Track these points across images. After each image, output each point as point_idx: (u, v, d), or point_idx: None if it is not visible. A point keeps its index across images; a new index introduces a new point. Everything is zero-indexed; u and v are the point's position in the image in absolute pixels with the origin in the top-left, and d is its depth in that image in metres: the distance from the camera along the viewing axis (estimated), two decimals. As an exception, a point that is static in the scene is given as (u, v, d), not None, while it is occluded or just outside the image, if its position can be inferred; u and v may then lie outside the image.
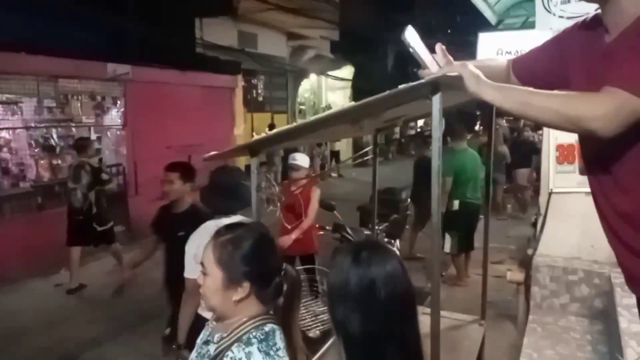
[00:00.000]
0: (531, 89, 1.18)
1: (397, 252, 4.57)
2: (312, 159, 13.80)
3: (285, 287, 1.38)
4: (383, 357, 1.09)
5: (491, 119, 2.81)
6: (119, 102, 7.74)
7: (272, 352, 1.27)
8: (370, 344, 1.08)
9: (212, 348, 1.36)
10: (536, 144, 8.21)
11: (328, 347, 2.40)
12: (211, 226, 2.37)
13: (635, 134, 1.10)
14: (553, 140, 3.82)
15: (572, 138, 3.76)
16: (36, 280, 5.82)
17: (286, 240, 3.71)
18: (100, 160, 6.89)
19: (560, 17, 3.62)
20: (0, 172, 6.37)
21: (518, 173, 8.60)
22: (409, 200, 5.01)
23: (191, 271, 2.34)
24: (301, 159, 4.01)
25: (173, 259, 2.83)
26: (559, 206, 3.90)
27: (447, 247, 5.27)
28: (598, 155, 1.28)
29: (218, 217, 2.40)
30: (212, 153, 1.56)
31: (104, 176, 5.77)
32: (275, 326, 1.34)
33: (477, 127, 10.51)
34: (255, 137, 11.04)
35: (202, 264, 1.35)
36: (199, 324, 1.51)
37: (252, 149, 1.42)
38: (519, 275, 4.20)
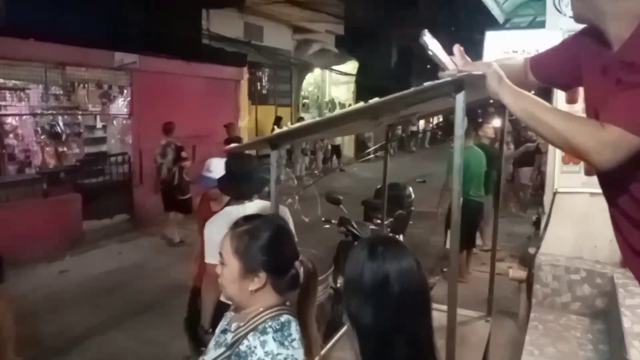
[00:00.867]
0: (545, 104, 1.19)
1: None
2: (314, 152, 13.88)
3: (301, 278, 1.41)
4: (393, 351, 1.11)
5: (504, 119, 2.83)
6: (125, 91, 7.75)
7: (286, 343, 1.30)
8: (382, 338, 1.10)
9: (229, 337, 1.39)
10: (539, 144, 8.24)
11: (340, 336, 2.45)
12: (231, 211, 2.42)
13: None
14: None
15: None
16: (41, 266, 5.87)
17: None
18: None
19: (571, 17, 3.63)
20: (7, 158, 6.40)
21: (521, 172, 8.63)
22: (413, 195, 5.05)
23: (212, 256, 2.36)
24: (217, 169, 2.70)
25: None
26: (563, 206, 3.93)
27: (449, 244, 5.31)
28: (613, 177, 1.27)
29: (238, 202, 2.45)
30: (233, 145, 1.59)
31: (184, 154, 6.71)
32: (291, 317, 1.37)
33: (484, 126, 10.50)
34: (260, 134, 11.01)
35: (220, 254, 1.38)
36: (222, 310, 1.55)
37: (273, 142, 1.45)
38: (520, 273, 4.24)
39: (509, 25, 6.89)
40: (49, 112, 6.88)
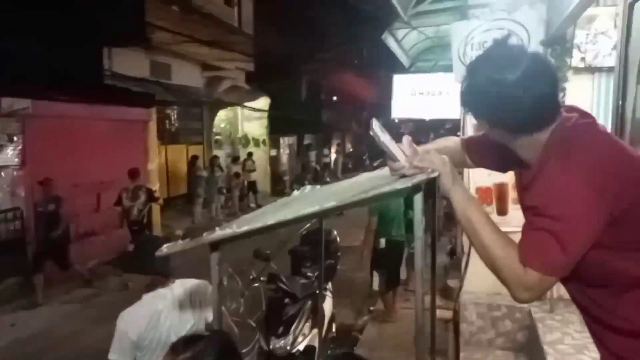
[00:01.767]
0: (489, 222, 1.21)
1: (331, 295, 4.55)
2: (230, 190, 13.54)
3: None
4: None
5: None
6: (15, 138, 6.98)
7: None
8: None
9: None
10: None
11: None
12: (153, 301, 2.20)
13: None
14: (473, 183, 4.08)
15: (489, 181, 4.03)
16: None
17: None
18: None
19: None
20: None
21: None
22: (338, 239, 5.03)
23: (119, 355, 2.14)
24: None
25: None
26: (480, 245, 4.14)
27: (376, 285, 5.37)
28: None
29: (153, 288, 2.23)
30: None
31: (156, 195, 7.80)
32: None
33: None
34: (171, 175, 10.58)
35: None
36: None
37: (213, 244, 1.32)
38: (447, 314, 4.36)
39: (413, 69, 7.35)
40: None
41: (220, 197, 12.94)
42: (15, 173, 7.03)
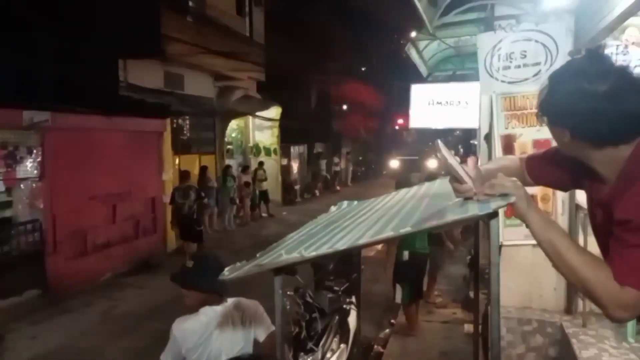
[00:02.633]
0: (572, 241, 1.18)
1: (356, 309, 4.48)
2: (242, 200, 13.54)
3: None
4: None
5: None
6: (34, 151, 7.03)
7: None
8: None
9: None
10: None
11: None
12: (204, 316, 2.25)
13: None
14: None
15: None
16: None
17: None
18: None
19: (503, 81, 3.90)
20: None
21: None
22: (361, 253, 4.98)
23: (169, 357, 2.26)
24: None
25: None
26: (509, 258, 4.07)
27: (399, 298, 5.30)
28: None
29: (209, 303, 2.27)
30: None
31: (202, 194, 8.82)
32: None
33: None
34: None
35: None
36: None
37: (276, 269, 1.30)
38: (472, 327, 4.29)
39: (430, 79, 7.33)
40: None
41: (232, 207, 12.95)
42: (34, 185, 7.07)
